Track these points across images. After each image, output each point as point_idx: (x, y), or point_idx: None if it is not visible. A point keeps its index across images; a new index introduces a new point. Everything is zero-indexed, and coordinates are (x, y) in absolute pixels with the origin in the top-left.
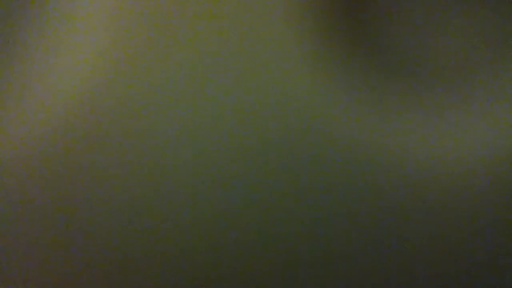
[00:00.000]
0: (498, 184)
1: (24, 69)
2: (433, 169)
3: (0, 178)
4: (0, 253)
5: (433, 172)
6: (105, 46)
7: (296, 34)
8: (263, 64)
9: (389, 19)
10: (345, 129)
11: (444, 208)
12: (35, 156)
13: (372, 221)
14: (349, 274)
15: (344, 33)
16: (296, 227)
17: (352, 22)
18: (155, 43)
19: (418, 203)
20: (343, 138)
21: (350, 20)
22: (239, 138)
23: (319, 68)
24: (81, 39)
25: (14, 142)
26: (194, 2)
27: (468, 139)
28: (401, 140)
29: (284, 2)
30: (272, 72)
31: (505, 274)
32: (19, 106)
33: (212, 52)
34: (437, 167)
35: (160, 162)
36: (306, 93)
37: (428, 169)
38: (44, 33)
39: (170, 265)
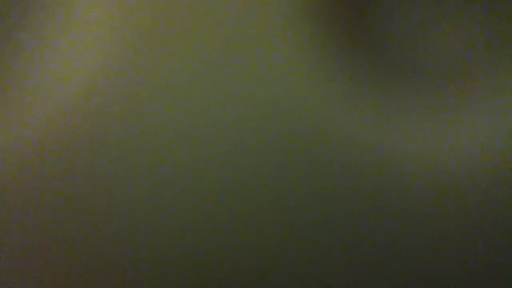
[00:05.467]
0: (498, 184)
1: (23, 70)
2: (433, 168)
3: (0, 178)
4: (0, 253)
5: (433, 171)
6: (105, 47)
7: (297, 35)
8: (264, 65)
9: (390, 19)
10: (345, 128)
11: (444, 207)
12: (34, 156)
13: (372, 220)
14: (348, 274)
15: (345, 33)
16: (296, 227)
17: (353, 22)
18: (155, 44)
19: (418, 202)
20: (343, 137)
21: (351, 21)
22: (240, 138)
23: (320, 68)
24: (81, 40)
25: (14, 142)
26: (195, 3)
27: (468, 139)
28: (401, 139)
29: (285, 2)
30: (272, 72)
31: (505, 274)
32: (18, 107)
33: (212, 52)
34: (437, 166)
35: (160, 162)
36: (307, 93)
37: (428, 168)
38: (43, 34)
39: (170, 265)
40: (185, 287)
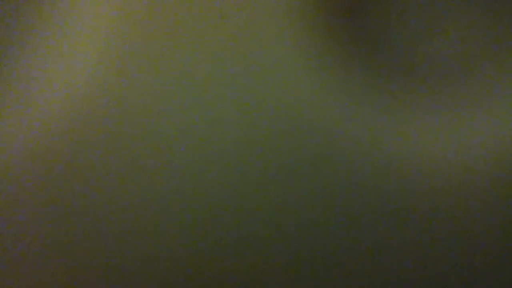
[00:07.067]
0: (498, 184)
1: (24, 70)
2: (433, 168)
3: (0, 178)
4: (0, 253)
5: (433, 171)
6: (105, 47)
7: (297, 34)
8: (264, 64)
9: (389, 19)
10: (345, 128)
11: (443, 207)
12: (35, 156)
13: (371, 220)
14: (347, 273)
15: (345, 33)
16: (295, 226)
17: (353, 21)
18: (156, 44)
19: (417, 202)
20: (343, 137)
21: (350, 20)
22: (240, 138)
23: (319, 68)
24: (82, 40)
25: (14, 142)
26: (195, 2)
27: (468, 138)
28: (401, 139)
29: (284, 2)
30: (272, 72)
31: (506, 274)
32: (19, 107)
33: (212, 52)
34: (437, 166)
35: (161, 162)
36: (306, 92)
37: (428, 168)
38: (44, 34)
39: (171, 266)
40: (185, 286)
